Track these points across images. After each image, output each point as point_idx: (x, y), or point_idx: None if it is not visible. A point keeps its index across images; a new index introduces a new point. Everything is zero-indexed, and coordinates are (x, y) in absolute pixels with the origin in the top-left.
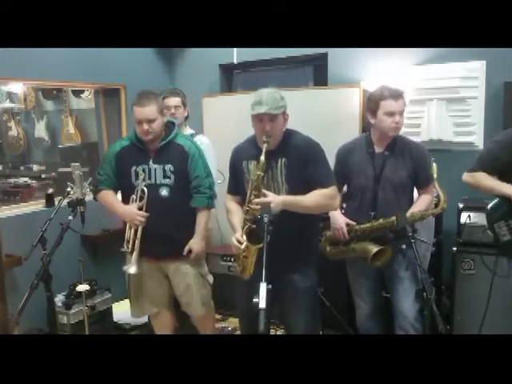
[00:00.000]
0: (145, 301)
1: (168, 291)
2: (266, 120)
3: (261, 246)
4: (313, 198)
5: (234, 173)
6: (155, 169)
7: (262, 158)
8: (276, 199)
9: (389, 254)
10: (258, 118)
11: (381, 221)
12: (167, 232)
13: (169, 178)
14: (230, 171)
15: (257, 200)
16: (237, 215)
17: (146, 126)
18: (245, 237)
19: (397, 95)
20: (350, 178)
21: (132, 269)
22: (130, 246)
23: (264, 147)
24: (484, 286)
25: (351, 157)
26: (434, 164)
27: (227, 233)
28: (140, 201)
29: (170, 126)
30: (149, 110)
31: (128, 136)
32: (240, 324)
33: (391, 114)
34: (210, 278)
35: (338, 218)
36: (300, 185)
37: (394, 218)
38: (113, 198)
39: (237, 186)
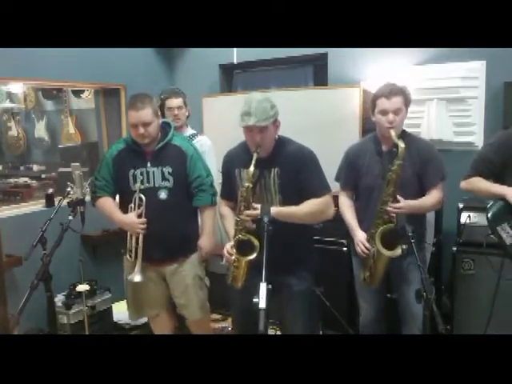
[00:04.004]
0: (143, 304)
1: (166, 293)
2: (256, 131)
3: (250, 258)
4: (306, 209)
5: (227, 178)
6: (153, 171)
7: (251, 168)
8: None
9: None
10: (247, 129)
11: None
12: (166, 234)
13: (167, 180)
14: (224, 176)
15: (247, 212)
16: (230, 221)
17: (141, 130)
18: (234, 249)
19: (390, 93)
20: (359, 179)
21: (137, 277)
22: (132, 255)
23: (254, 157)
24: (484, 286)
25: (360, 157)
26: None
27: None
28: (138, 208)
29: (165, 126)
30: (144, 114)
31: (124, 138)
32: (234, 324)
33: (384, 112)
34: (207, 281)
35: (357, 234)
36: (294, 194)
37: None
38: (111, 206)
39: (230, 191)
